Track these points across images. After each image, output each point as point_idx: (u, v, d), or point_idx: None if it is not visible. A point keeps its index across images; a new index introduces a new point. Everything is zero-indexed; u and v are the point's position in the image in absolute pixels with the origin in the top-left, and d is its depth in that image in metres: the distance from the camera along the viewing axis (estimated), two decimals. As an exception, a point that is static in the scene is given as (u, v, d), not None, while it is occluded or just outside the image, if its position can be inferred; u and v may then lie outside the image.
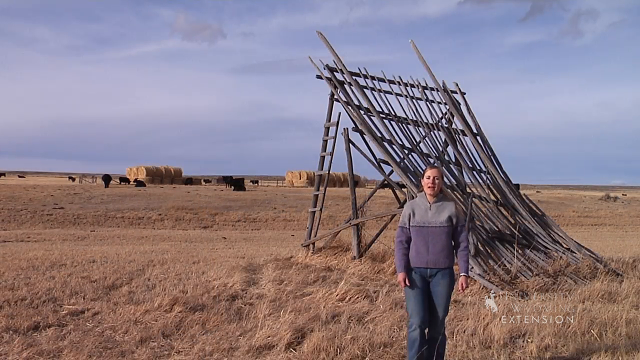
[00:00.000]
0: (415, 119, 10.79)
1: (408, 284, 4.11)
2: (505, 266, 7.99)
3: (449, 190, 9.18)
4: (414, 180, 8.85)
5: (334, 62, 10.53)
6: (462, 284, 4.15)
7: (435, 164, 4.76)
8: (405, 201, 9.97)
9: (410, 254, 4.15)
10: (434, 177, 4.16)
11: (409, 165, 9.45)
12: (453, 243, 4.16)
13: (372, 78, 10.86)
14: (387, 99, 10.77)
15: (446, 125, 11.14)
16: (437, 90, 11.50)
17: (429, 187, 4.15)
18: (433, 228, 4.07)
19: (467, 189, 10.15)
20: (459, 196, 9.38)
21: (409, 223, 4.16)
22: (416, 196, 4.39)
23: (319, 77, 10.55)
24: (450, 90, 11.62)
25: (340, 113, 10.40)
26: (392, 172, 9.83)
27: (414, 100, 11.09)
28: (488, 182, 10.36)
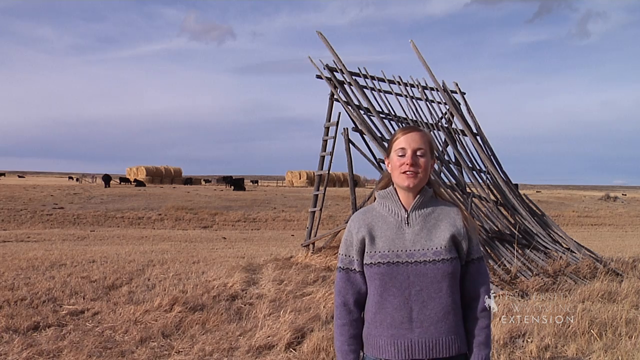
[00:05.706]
0: (415, 119, 10.79)
1: None
2: (505, 266, 7.99)
3: (443, 189, 9.03)
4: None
5: (334, 62, 10.53)
6: None
7: (416, 127, 2.10)
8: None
9: (367, 330, 1.94)
10: (413, 150, 1.89)
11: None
12: (460, 297, 1.94)
13: (372, 78, 10.87)
14: (387, 99, 10.78)
15: (446, 125, 11.15)
16: (437, 90, 11.51)
17: (403, 173, 1.89)
18: (419, 266, 1.85)
19: (467, 188, 10.17)
20: (458, 196, 9.38)
21: (361, 258, 1.93)
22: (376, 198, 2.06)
23: (318, 77, 10.55)
24: (450, 90, 11.63)
25: (340, 113, 10.41)
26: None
27: (414, 100, 11.09)
28: (488, 182, 10.36)
